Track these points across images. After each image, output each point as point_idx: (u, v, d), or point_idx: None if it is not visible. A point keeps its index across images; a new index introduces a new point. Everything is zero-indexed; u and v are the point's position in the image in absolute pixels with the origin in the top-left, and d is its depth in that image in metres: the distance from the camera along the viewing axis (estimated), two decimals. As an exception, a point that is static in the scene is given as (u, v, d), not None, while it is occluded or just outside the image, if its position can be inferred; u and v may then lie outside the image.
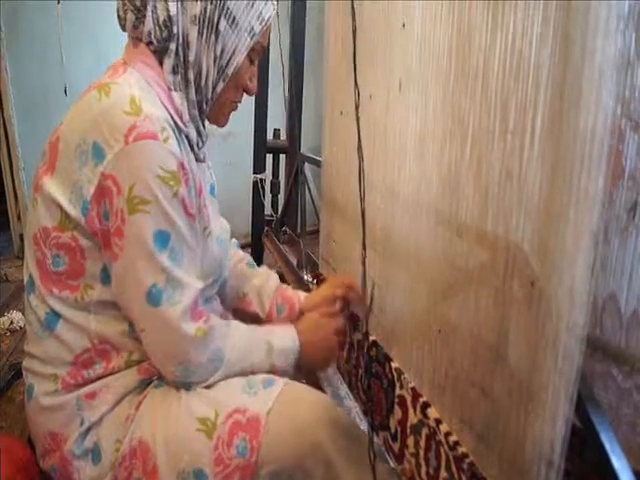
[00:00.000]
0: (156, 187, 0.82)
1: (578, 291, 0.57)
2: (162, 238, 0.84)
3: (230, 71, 0.93)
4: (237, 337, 0.97)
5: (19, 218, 3.78)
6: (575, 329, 0.57)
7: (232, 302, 1.22)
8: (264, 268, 1.28)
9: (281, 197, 2.96)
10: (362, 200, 1.05)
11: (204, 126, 0.99)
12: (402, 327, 1.03)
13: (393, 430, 1.05)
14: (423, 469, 0.93)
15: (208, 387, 0.92)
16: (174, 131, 0.87)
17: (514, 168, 0.66)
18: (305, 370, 1.07)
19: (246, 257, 1.27)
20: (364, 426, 1.24)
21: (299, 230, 2.43)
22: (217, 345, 0.92)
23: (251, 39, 0.93)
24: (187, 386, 0.92)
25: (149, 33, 0.89)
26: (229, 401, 0.90)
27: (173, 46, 0.89)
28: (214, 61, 0.92)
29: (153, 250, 0.83)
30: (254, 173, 2.84)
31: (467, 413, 0.80)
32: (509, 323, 0.69)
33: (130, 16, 0.90)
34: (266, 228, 2.88)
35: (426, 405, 0.92)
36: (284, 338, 1.02)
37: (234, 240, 1.26)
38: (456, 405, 0.83)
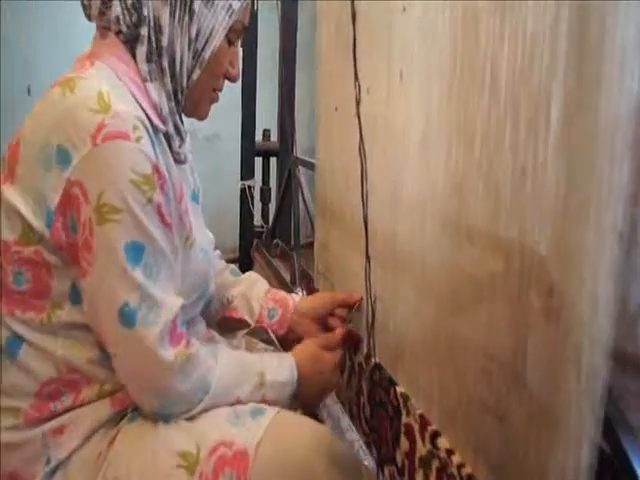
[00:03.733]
0: (128, 193, 0.82)
1: (602, 298, 0.56)
2: (135, 250, 0.84)
3: (207, 55, 0.93)
4: (225, 365, 0.97)
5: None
6: (600, 341, 0.57)
7: (216, 314, 1.23)
8: (250, 274, 1.29)
9: (272, 206, 2.97)
10: (365, 205, 1.06)
11: (182, 121, 0.99)
12: (408, 346, 1.03)
13: (400, 464, 1.05)
14: (434, 506, 0.92)
15: (189, 418, 0.92)
16: (148, 131, 0.87)
17: (528, 164, 0.66)
18: (301, 401, 1.09)
19: (230, 266, 1.29)
20: (368, 461, 1.23)
21: (292, 242, 2.43)
22: (201, 373, 0.92)
23: (230, 18, 0.93)
24: (166, 418, 0.91)
25: (117, 19, 0.89)
26: (213, 433, 0.90)
27: (145, 31, 0.90)
28: (189, 45, 0.92)
29: (125, 264, 0.83)
30: (242, 179, 2.86)
31: (482, 442, 0.79)
32: (526, 337, 0.68)
33: (95, 2, 0.90)
34: (256, 241, 2.89)
35: (436, 434, 0.91)
36: (280, 370, 1.03)
37: (217, 252, 1.27)
38: (469, 433, 0.82)
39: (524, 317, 0.68)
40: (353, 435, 1.40)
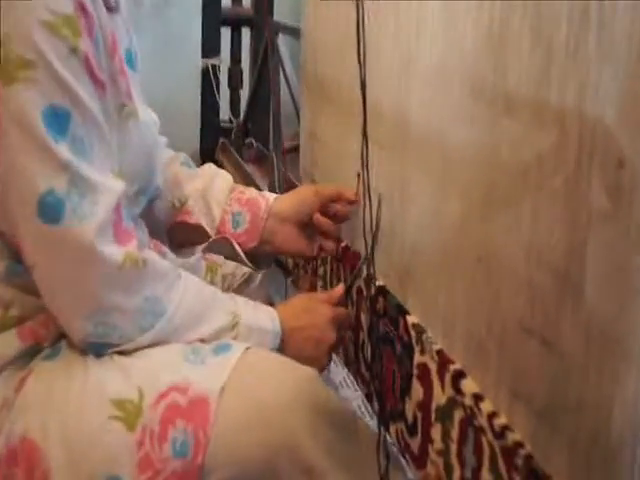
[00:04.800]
0: (42, 40, 0.81)
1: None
2: (58, 118, 0.84)
3: None
4: (189, 290, 0.99)
5: None
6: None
7: (165, 220, 1.24)
8: (209, 166, 1.32)
9: (245, 93, 2.97)
10: (362, 68, 1.05)
11: None
12: (423, 260, 1.04)
13: (411, 419, 1.06)
14: (456, 472, 0.93)
15: (130, 354, 0.93)
16: None
17: (592, 4, 0.65)
18: None
19: (180, 156, 1.30)
20: (368, 419, 1.29)
21: (272, 141, 2.42)
22: (155, 289, 0.94)
23: None
24: (100, 350, 0.92)
25: None
26: (162, 374, 0.92)
27: None
28: None
29: (44, 137, 0.83)
30: (203, 57, 2.85)
31: (522, 380, 0.80)
32: (585, 238, 0.68)
33: None
34: (222, 140, 2.91)
35: (460, 375, 0.92)
36: (258, 314, 1.06)
37: (164, 139, 1.28)
38: (505, 370, 0.83)
39: (583, 211, 0.68)
40: (348, 392, 1.43)
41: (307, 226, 1.24)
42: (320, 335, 1.11)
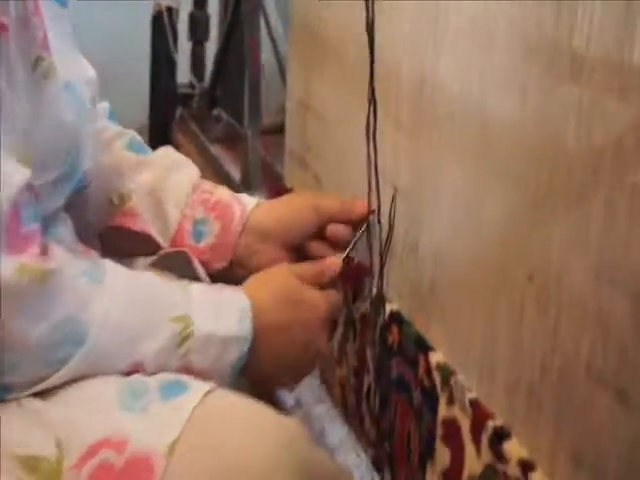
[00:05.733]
0: None
1: None
2: None
3: None
4: (118, 296, 0.98)
5: None
6: None
7: (98, 220, 1.23)
8: (165, 150, 1.30)
9: (211, 48, 2.98)
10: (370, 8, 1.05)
11: None
12: (452, 277, 1.05)
13: None
14: None
15: (44, 396, 0.92)
16: None
17: None
18: (254, 378, 1.11)
19: (127, 134, 1.29)
20: None
21: (247, 114, 2.46)
22: (68, 307, 0.92)
23: None
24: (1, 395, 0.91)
25: None
26: (89, 423, 0.91)
27: None
28: None
29: None
30: None
31: (588, 444, 0.79)
32: None
33: None
34: (180, 110, 2.94)
35: (502, 434, 0.91)
36: (221, 312, 1.04)
37: (104, 104, 1.27)
38: (565, 429, 0.82)
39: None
40: (348, 457, 1.42)
41: (296, 250, 1.24)
42: (308, 338, 1.11)
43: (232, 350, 1.03)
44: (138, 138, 1.29)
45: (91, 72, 1.14)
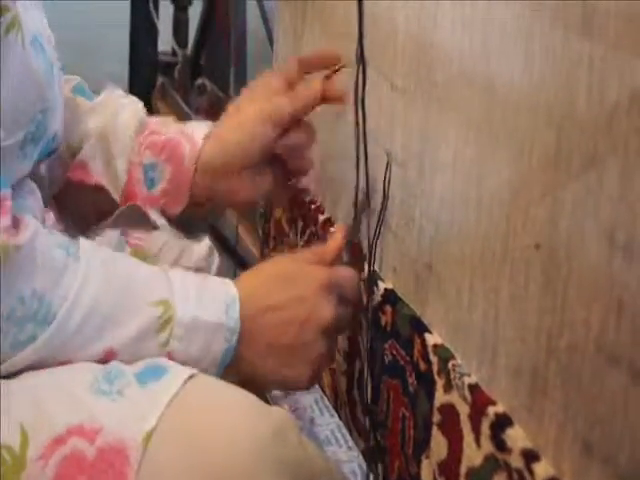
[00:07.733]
0: None
1: None
2: None
3: None
4: (93, 273, 0.98)
5: None
6: None
7: (50, 175, 1.24)
8: (112, 93, 1.34)
9: (195, 12, 3.04)
10: None
11: None
12: (452, 250, 1.04)
13: None
14: None
15: (8, 379, 0.93)
16: None
17: None
18: (245, 377, 1.10)
19: (72, 80, 1.32)
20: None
21: (233, 83, 2.48)
22: (36, 283, 0.93)
23: None
24: None
25: None
26: (57, 409, 0.91)
27: None
28: None
29: None
30: None
31: (600, 429, 0.77)
32: None
33: None
34: (161, 79, 3.00)
35: (504, 421, 0.89)
36: (204, 298, 1.05)
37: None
38: (574, 413, 0.80)
39: None
40: (339, 450, 1.46)
41: (263, 158, 1.24)
42: (307, 314, 1.09)
43: (219, 339, 1.03)
44: (83, 82, 1.32)
45: (49, 31, 1.14)
